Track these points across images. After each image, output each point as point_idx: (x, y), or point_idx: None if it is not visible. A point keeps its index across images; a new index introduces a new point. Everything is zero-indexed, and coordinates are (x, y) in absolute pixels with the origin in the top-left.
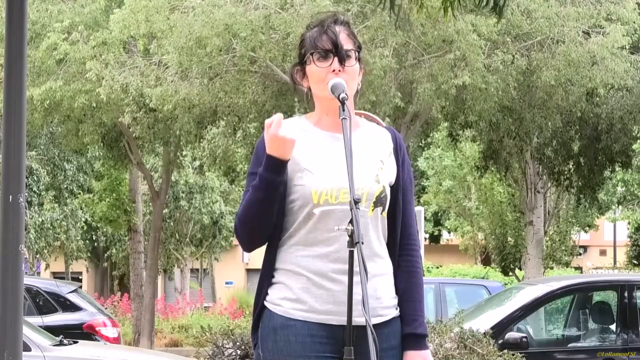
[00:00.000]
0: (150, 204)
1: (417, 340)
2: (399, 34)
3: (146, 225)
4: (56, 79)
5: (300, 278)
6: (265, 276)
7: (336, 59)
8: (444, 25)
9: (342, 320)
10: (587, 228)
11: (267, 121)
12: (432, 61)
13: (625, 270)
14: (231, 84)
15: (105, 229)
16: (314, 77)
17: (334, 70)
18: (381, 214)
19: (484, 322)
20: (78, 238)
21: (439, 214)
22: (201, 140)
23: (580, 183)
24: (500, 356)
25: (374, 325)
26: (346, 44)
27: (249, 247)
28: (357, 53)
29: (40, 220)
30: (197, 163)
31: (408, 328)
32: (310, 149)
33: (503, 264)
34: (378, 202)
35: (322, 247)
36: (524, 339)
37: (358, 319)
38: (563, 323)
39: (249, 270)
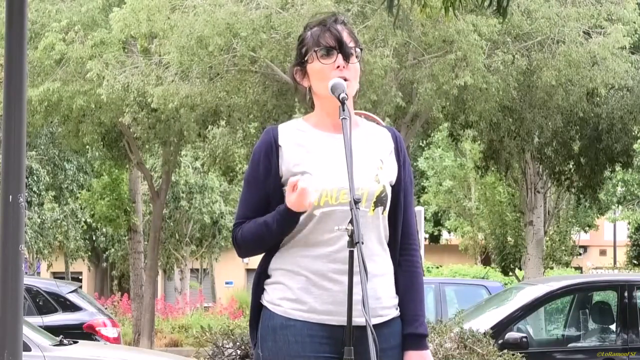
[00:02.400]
0: (150, 204)
1: (417, 340)
2: (399, 34)
3: (146, 225)
4: (54, 80)
5: (300, 278)
6: (263, 275)
7: (340, 55)
8: (444, 25)
9: (341, 320)
10: (587, 228)
11: (290, 181)
12: (432, 61)
13: (625, 270)
14: (232, 84)
15: (105, 229)
16: (317, 75)
17: (338, 67)
18: (382, 213)
19: (484, 322)
20: (78, 237)
21: (439, 214)
22: (203, 139)
23: (581, 183)
24: (500, 356)
25: (374, 326)
26: (349, 41)
27: (246, 256)
28: (358, 52)
29: (40, 220)
30: (198, 163)
31: (409, 328)
32: (308, 151)
33: (503, 264)
34: (379, 202)
35: (322, 248)
36: (524, 339)
37: (358, 319)
38: (563, 323)
39: (249, 270)
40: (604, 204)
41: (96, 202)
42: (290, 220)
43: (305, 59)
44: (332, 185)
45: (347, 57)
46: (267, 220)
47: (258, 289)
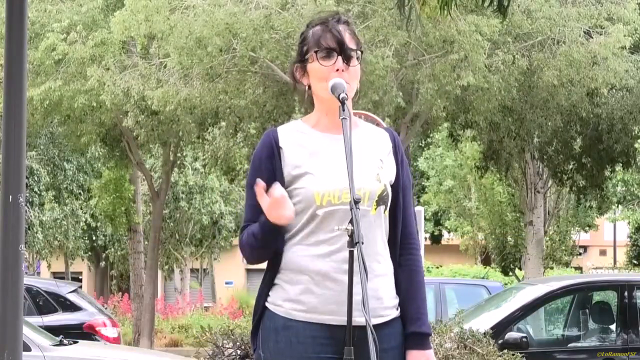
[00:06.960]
0: (150, 204)
1: (420, 339)
2: (400, 34)
3: (146, 225)
4: (55, 79)
5: (302, 278)
6: (267, 278)
7: (340, 58)
8: (445, 25)
9: (343, 320)
10: (587, 228)
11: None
12: (433, 61)
13: (625, 270)
14: (232, 85)
15: (105, 229)
16: (316, 75)
17: (337, 70)
18: (384, 212)
19: (484, 322)
20: (77, 236)
21: (439, 214)
22: (203, 141)
23: (582, 183)
24: (500, 356)
25: (375, 326)
26: (350, 43)
27: (252, 264)
28: (359, 54)
29: (40, 220)
30: (198, 164)
31: (411, 327)
32: (309, 152)
33: (503, 264)
34: (380, 200)
35: (324, 247)
36: (524, 339)
37: (359, 319)
38: (563, 323)
39: (249, 270)
40: (603, 204)
41: (100, 198)
42: (272, 231)
43: (306, 57)
44: (334, 185)
45: (347, 60)
46: (254, 231)
47: (262, 293)
